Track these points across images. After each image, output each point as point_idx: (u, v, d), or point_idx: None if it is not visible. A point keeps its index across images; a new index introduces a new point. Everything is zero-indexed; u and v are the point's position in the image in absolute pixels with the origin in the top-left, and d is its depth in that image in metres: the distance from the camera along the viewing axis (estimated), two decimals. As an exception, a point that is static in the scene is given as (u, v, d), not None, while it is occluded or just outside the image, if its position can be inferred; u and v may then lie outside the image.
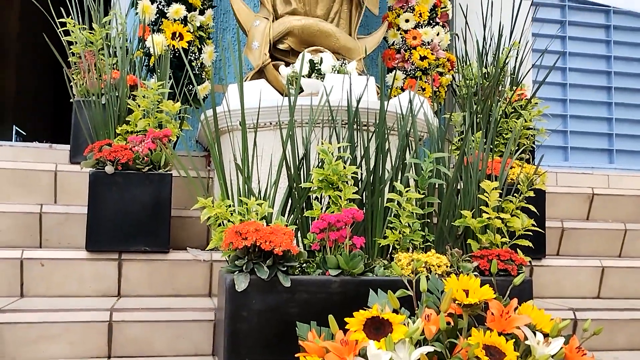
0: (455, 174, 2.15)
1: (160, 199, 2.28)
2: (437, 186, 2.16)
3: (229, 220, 1.94)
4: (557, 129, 4.06)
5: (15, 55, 12.51)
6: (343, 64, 2.83)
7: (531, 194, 2.23)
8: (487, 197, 2.13)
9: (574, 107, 4.15)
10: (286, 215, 2.08)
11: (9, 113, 11.82)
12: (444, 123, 3.20)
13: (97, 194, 2.23)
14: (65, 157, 2.93)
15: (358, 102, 2.23)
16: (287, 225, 1.92)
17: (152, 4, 3.05)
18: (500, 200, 2.16)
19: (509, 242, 2.13)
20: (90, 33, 2.95)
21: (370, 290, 1.65)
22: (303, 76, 2.74)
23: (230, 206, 1.98)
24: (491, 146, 2.31)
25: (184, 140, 2.96)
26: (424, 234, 2.08)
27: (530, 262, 2.54)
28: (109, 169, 2.24)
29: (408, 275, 1.76)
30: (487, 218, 2.09)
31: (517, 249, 2.07)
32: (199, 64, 3.12)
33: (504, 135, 2.92)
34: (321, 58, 2.80)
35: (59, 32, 2.96)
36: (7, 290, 2.16)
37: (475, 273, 1.94)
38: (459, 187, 2.20)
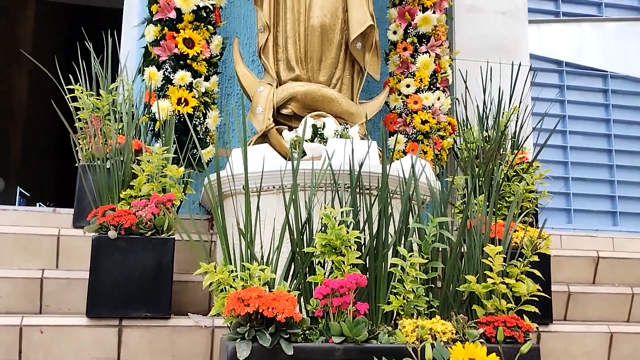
0: (458, 238, 2.14)
1: (162, 264, 2.27)
2: (440, 250, 2.15)
3: (231, 286, 1.93)
4: (560, 192, 4.07)
5: (24, 117, 12.74)
6: (345, 129, 2.87)
7: (535, 258, 2.21)
8: (491, 261, 2.11)
9: (576, 170, 4.17)
10: (289, 280, 2.07)
11: (14, 173, 11.93)
12: (446, 186, 3.22)
13: (99, 259, 2.22)
14: (69, 221, 2.93)
15: (360, 166, 2.25)
16: (289, 291, 1.90)
17: (158, 70, 3.12)
18: (504, 265, 2.15)
19: (515, 307, 2.10)
20: (97, 99, 3.01)
21: (375, 358, 1.62)
22: (306, 140, 2.77)
23: (232, 271, 1.97)
24: (494, 209, 2.31)
25: (186, 203, 2.97)
26: (428, 299, 2.05)
27: (537, 328, 2.49)
28: (112, 234, 2.24)
29: (413, 342, 1.73)
30: (492, 283, 2.07)
31: (524, 315, 2.04)
32: (203, 129, 3.17)
33: (507, 198, 2.92)
34: (324, 123, 2.85)
35: (67, 98, 3.02)
36: (4, 359, 2.12)
37: (482, 340, 1.91)
38: (462, 251, 2.19)
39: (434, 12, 3.47)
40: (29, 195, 12.85)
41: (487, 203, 2.33)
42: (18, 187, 11.66)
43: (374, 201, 2.19)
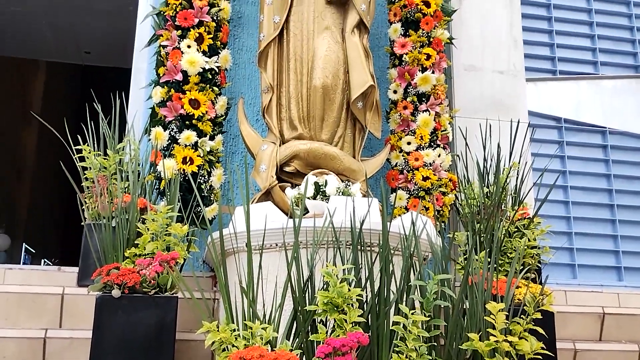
0: (460, 294, 2.15)
1: (165, 323, 2.28)
2: (442, 307, 2.16)
3: (233, 345, 1.93)
4: (564, 247, 4.07)
5: (31, 174, 12.87)
6: (347, 186, 2.92)
7: (538, 315, 2.21)
8: (493, 319, 2.11)
9: (579, 225, 4.18)
10: (291, 339, 2.07)
11: (20, 230, 11.97)
12: (448, 242, 3.23)
13: (102, 318, 2.23)
14: (74, 279, 2.95)
15: (361, 223, 2.28)
16: (291, 350, 1.91)
17: (164, 130, 3.20)
18: (507, 322, 2.14)
19: (519, 366, 2.08)
20: (105, 159, 3.08)
21: (376, 419, 1.61)
22: (308, 198, 2.82)
23: (234, 330, 1.97)
24: (495, 266, 2.32)
25: (190, 261, 2.99)
26: (431, 357, 2.04)
27: (542, 386, 2.46)
28: (116, 292, 2.26)
29: (415, 402, 1.72)
30: (495, 341, 2.06)
31: (528, 373, 2.03)
32: (208, 187, 3.22)
33: (509, 254, 2.93)
34: (326, 180, 2.89)
35: (75, 158, 3.09)
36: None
37: (485, 399, 1.89)
38: (465, 308, 2.19)
39: (433, 72, 3.56)
40: (34, 251, 12.89)
41: (489, 259, 2.35)
42: (24, 244, 11.70)
43: (376, 258, 2.21)
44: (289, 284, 2.08)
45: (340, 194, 2.83)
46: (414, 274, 2.23)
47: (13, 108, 11.72)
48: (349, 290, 2.02)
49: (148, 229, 2.57)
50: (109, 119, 3.20)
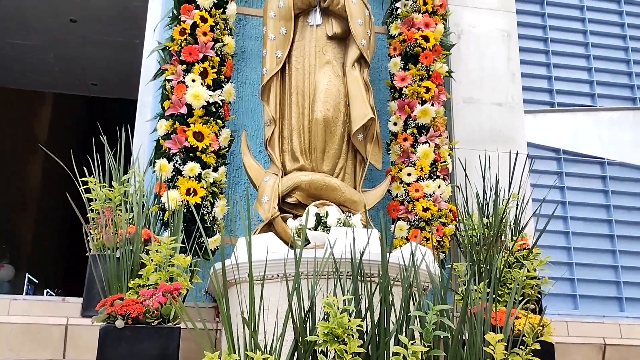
0: (459, 325, 2.17)
1: (167, 354, 2.30)
2: (442, 338, 2.18)
3: (234, 375, 1.95)
4: (564, 277, 4.09)
5: (36, 205, 12.92)
6: (348, 217, 2.96)
7: (537, 346, 2.23)
8: (492, 349, 2.13)
9: (579, 255, 4.20)
10: (292, 369, 2.09)
11: (24, 260, 11.99)
12: (448, 273, 3.26)
13: (106, 348, 2.26)
14: (78, 310, 2.98)
15: (361, 254, 2.31)
16: (292, 380, 1.93)
17: (169, 162, 3.26)
18: (506, 353, 2.16)
19: (518, 397, 2.10)
20: (110, 190, 3.13)
21: None
22: (309, 229, 2.86)
23: (236, 360, 2.00)
24: (495, 296, 2.35)
25: (192, 292, 3.02)
26: (430, 388, 2.06)
27: (543, 417, 2.46)
28: (119, 323, 2.29)
29: None
30: (494, 371, 2.08)
31: (527, 405, 2.04)
32: (211, 217, 3.26)
33: (508, 285, 2.96)
34: (327, 211, 2.94)
35: (81, 189, 3.14)
36: None
37: None
38: (464, 339, 2.21)
39: (432, 105, 3.63)
40: (37, 282, 12.89)
41: (488, 290, 2.37)
42: (27, 274, 11.71)
43: (375, 289, 2.24)
44: (290, 315, 2.11)
45: (341, 225, 2.87)
46: (414, 304, 2.26)
47: (18, 139, 11.83)
48: (349, 320, 2.04)
49: (152, 259, 2.61)
50: (114, 150, 3.26)
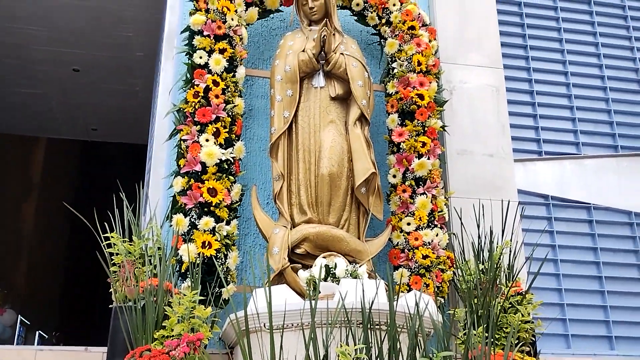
0: (461, 370, 2.39)
1: (195, 400, 2.48)
2: (446, 382, 2.39)
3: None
4: (557, 317, 4.30)
5: (29, 249, 13.02)
6: (355, 268, 3.19)
7: (532, 387, 2.44)
8: (492, 391, 2.34)
9: (570, 296, 4.42)
10: (311, 413, 2.28)
11: (17, 301, 12.03)
12: (448, 318, 3.47)
13: (138, 396, 2.44)
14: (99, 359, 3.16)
15: (370, 305, 2.54)
16: None
17: (185, 217, 3.48)
18: (504, 395, 2.37)
19: None
20: (130, 244, 3.34)
21: None
22: (320, 280, 3.08)
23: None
24: (492, 340, 2.56)
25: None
26: None
27: None
28: (150, 372, 2.48)
29: None
30: (494, 412, 2.28)
31: None
32: (224, 268, 3.47)
33: (505, 329, 3.17)
34: (335, 263, 3.17)
35: (103, 245, 3.34)
36: None
37: None
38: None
39: (428, 158, 3.89)
40: (29, 323, 12.90)
41: (486, 334, 2.59)
42: (19, 316, 11.76)
43: (384, 337, 2.46)
44: (308, 363, 2.32)
45: (349, 275, 3.10)
46: (419, 351, 2.47)
47: (13, 183, 12.00)
48: (362, 367, 2.26)
49: (175, 312, 2.81)
50: (134, 206, 3.47)
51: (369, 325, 2.51)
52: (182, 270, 3.38)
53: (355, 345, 2.37)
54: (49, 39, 7.58)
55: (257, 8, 4.15)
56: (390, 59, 4.22)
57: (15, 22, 7.20)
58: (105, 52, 7.94)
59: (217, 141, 3.61)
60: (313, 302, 2.53)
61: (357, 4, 4.32)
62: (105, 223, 3.42)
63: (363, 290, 2.65)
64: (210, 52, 3.77)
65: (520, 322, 3.13)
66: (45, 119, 9.76)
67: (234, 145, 3.70)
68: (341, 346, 2.31)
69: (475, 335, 2.80)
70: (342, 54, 3.84)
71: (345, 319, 2.59)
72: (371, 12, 4.32)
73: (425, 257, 3.73)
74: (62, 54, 7.99)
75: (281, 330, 2.50)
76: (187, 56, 3.83)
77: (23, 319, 11.72)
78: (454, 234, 3.97)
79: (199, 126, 3.62)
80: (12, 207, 11.89)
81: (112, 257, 3.31)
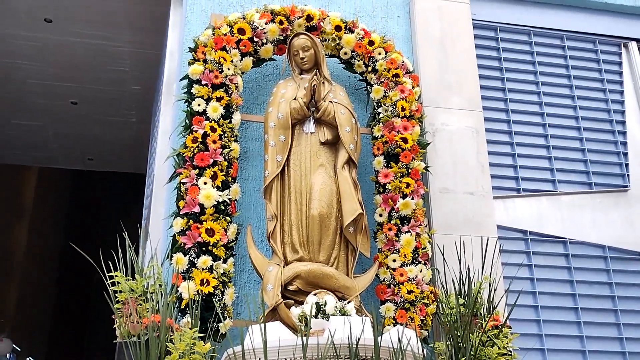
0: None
1: None
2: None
3: None
4: (536, 348, 4.54)
5: (20, 273, 13.13)
6: (344, 304, 3.42)
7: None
8: (468, 421, 2.57)
9: (548, 327, 4.66)
10: None
11: (8, 327, 12.14)
12: (431, 351, 3.70)
13: None
14: (105, 391, 3.35)
15: (357, 341, 2.78)
16: None
17: (184, 256, 3.71)
18: None
19: None
20: (133, 282, 3.56)
21: None
22: (311, 317, 3.31)
23: None
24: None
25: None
26: None
27: None
28: (155, 406, 2.69)
29: None
30: None
31: None
32: (221, 304, 3.70)
33: (483, 361, 3.41)
34: (325, 300, 3.40)
35: (107, 283, 3.56)
36: None
37: None
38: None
39: (412, 198, 4.16)
40: (19, 350, 12.96)
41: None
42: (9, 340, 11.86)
43: (370, 372, 2.69)
44: (301, 396, 2.54)
45: (338, 311, 3.33)
46: (402, 384, 2.71)
47: (5, 210, 12.15)
48: (350, 400, 2.48)
49: (177, 348, 3.03)
50: (135, 245, 3.70)
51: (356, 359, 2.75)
52: (182, 307, 3.59)
53: (343, 379, 2.61)
54: (48, 73, 7.86)
55: (252, 58, 4.43)
56: (376, 104, 4.50)
57: (15, 58, 7.47)
58: (103, 85, 8.24)
59: (214, 184, 3.85)
60: (305, 338, 2.77)
61: (345, 53, 4.62)
62: (110, 262, 3.64)
63: (350, 327, 2.89)
64: (207, 100, 4.04)
65: (497, 355, 3.37)
66: (42, 150, 9.98)
67: (230, 187, 3.94)
68: (331, 380, 2.54)
69: (455, 367, 3.03)
70: (331, 101, 4.12)
71: (335, 354, 2.82)
72: (358, 60, 4.62)
73: (410, 292, 3.97)
74: (60, 87, 8.26)
75: (275, 365, 2.73)
76: (186, 103, 4.09)
77: (14, 346, 11.83)
78: (436, 269, 4.21)
79: (197, 170, 3.87)
80: (2, 232, 12.02)
81: (116, 295, 3.52)
